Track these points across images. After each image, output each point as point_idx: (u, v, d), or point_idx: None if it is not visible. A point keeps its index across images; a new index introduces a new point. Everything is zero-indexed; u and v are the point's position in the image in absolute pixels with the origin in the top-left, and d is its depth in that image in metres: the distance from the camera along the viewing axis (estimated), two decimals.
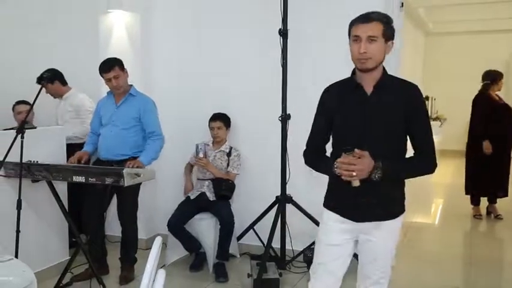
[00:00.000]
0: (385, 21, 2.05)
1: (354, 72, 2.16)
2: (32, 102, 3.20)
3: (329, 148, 2.25)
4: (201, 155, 3.90)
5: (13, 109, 4.34)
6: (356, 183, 1.99)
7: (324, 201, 2.29)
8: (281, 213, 3.74)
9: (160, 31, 4.50)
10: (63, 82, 4.32)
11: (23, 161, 3.09)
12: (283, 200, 3.74)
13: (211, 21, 4.32)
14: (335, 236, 2.21)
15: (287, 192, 3.75)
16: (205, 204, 3.97)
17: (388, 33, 2.05)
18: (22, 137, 3.07)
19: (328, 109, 2.21)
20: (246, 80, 4.21)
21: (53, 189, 3.37)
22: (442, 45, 10.37)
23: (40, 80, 3.95)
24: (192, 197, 4.03)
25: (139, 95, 3.68)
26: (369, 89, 2.10)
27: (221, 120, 4.05)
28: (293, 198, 3.76)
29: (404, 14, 3.88)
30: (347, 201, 2.14)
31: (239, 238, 4.14)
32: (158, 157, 3.68)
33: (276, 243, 3.80)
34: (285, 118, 3.67)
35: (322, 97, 2.26)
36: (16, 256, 2.95)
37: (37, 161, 3.29)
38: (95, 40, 4.52)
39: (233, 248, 4.03)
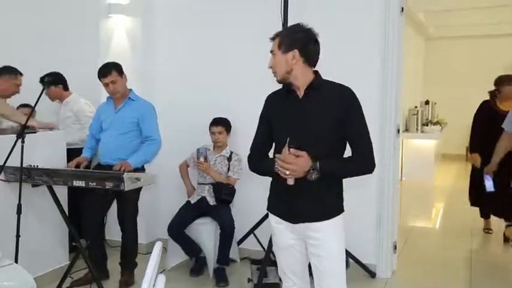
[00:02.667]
0: (283, 35, 2.18)
1: None
2: (33, 105, 3.20)
3: None
4: (201, 159, 3.90)
5: None
6: (290, 181, 2.04)
7: (267, 204, 2.34)
8: None
9: (161, 36, 4.51)
10: (66, 87, 4.34)
11: (24, 165, 3.09)
12: None
13: (212, 25, 4.33)
14: (282, 237, 2.25)
15: None
16: (205, 208, 3.96)
17: (285, 44, 2.14)
18: (22, 142, 3.08)
19: (266, 115, 2.30)
20: (246, 84, 4.22)
21: (53, 194, 3.37)
22: (442, 49, 10.37)
23: (44, 81, 3.97)
24: (192, 202, 4.03)
25: (138, 99, 3.68)
26: (301, 92, 2.17)
27: (222, 124, 4.05)
28: None
29: (404, 18, 3.88)
30: (283, 202, 2.20)
31: (239, 243, 4.14)
32: (151, 161, 3.68)
33: None
34: None
35: (264, 104, 2.35)
36: (16, 261, 2.94)
37: (37, 166, 3.29)
38: (95, 44, 4.54)
39: (233, 253, 4.02)
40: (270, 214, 2.31)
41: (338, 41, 3.62)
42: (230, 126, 4.11)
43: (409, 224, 5.42)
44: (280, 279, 3.59)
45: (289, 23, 3.60)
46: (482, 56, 10.20)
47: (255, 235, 4.05)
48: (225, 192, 3.91)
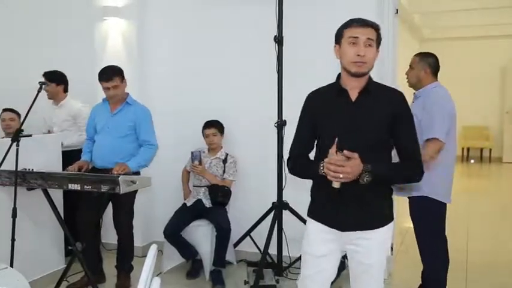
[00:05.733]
0: (378, 29, 2.06)
1: (338, 77, 2.14)
2: (27, 109, 3.18)
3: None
4: (196, 162, 3.90)
5: None
6: (336, 184, 1.93)
7: (308, 211, 2.24)
8: (277, 220, 3.74)
9: (156, 38, 4.51)
10: (66, 89, 4.32)
11: (18, 169, 3.08)
12: (279, 206, 3.74)
13: (207, 27, 4.34)
14: (320, 247, 2.14)
15: (283, 199, 3.75)
16: (201, 211, 3.96)
17: (379, 41, 2.06)
18: (17, 145, 3.06)
19: (312, 115, 2.17)
20: (241, 86, 4.23)
21: (49, 197, 3.36)
22: (437, 51, 10.33)
23: (51, 76, 4.02)
24: (188, 204, 4.03)
25: (135, 103, 3.68)
26: (353, 94, 2.07)
27: (215, 127, 4.05)
28: (289, 205, 3.76)
29: (399, 20, 3.90)
30: (329, 209, 2.10)
31: (236, 245, 4.13)
32: (148, 165, 3.66)
33: (272, 250, 3.80)
34: (280, 124, 3.67)
35: (305, 103, 2.22)
36: (11, 265, 2.93)
37: (32, 169, 3.28)
38: (90, 47, 4.53)
39: (230, 255, 4.01)
40: (310, 220, 2.19)
41: (332, 43, 3.63)
42: (223, 128, 4.10)
43: (406, 225, 5.43)
44: (277, 281, 3.62)
45: (284, 26, 3.62)
46: (476, 57, 10.26)
47: (251, 237, 4.04)
48: (220, 194, 3.91)
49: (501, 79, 10.51)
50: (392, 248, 4.00)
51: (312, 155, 2.23)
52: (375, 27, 2.04)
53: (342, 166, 1.89)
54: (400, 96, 2.10)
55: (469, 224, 5.56)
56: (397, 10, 3.81)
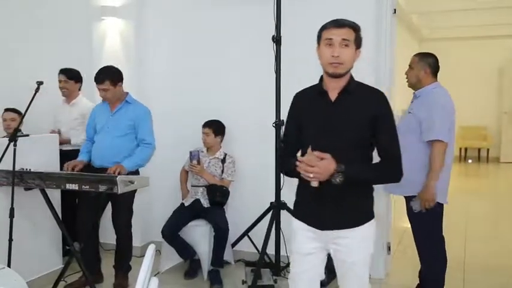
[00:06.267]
0: (357, 29, 2.07)
1: (321, 79, 2.16)
2: (25, 108, 3.18)
3: None
4: (194, 161, 3.90)
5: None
6: (314, 183, 1.97)
7: (292, 210, 2.28)
8: (275, 220, 3.74)
9: (154, 38, 4.50)
10: (80, 88, 4.33)
11: (16, 169, 3.08)
12: (277, 206, 3.73)
13: (206, 26, 4.33)
14: (305, 244, 2.18)
15: (281, 199, 3.75)
16: (199, 211, 3.96)
17: (358, 41, 2.08)
18: (15, 145, 3.06)
19: (296, 114, 2.21)
20: (239, 86, 4.22)
21: (46, 197, 3.36)
22: (435, 51, 10.31)
23: (71, 74, 4.14)
24: (186, 204, 4.02)
25: (135, 103, 3.67)
26: (333, 95, 2.09)
27: (210, 127, 4.04)
28: (287, 205, 3.75)
29: (397, 20, 3.90)
30: (310, 208, 2.14)
31: (234, 245, 4.13)
32: (145, 165, 3.65)
33: (270, 250, 3.80)
34: (278, 124, 3.67)
35: (292, 102, 2.26)
36: (8, 265, 2.93)
37: (30, 169, 3.27)
38: (88, 47, 4.52)
39: (228, 255, 4.02)
40: (293, 219, 2.24)
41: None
42: (220, 129, 4.09)
43: (403, 225, 5.43)
44: (275, 281, 3.62)
45: (282, 26, 3.62)
46: (474, 57, 10.27)
47: (249, 237, 4.04)
48: (218, 194, 3.90)
49: (499, 79, 10.53)
50: (389, 248, 4.01)
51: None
52: (353, 27, 2.05)
53: (313, 166, 1.93)
54: (380, 96, 2.12)
55: (466, 224, 5.56)
56: (394, 10, 3.81)
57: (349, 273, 2.15)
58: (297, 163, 1.98)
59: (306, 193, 2.13)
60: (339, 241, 2.11)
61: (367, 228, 2.14)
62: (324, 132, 2.05)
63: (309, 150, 1.98)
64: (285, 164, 2.26)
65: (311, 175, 1.94)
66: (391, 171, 2.10)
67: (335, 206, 2.07)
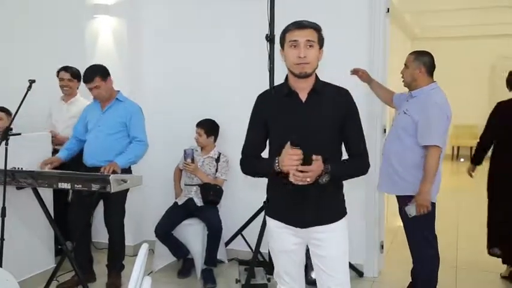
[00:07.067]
0: (319, 29, 2.11)
1: (286, 79, 2.19)
2: (17, 107, 3.15)
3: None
4: (188, 160, 3.89)
5: None
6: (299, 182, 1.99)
7: (266, 210, 2.30)
8: None
9: (147, 36, 4.49)
10: (78, 87, 4.28)
11: (8, 168, 3.06)
12: None
13: (199, 24, 4.32)
14: (283, 242, 2.22)
15: None
16: (193, 209, 3.95)
17: (321, 41, 2.12)
18: (6, 144, 3.04)
19: (262, 117, 2.21)
20: (233, 85, 4.22)
21: (38, 196, 3.34)
22: (428, 49, 10.47)
23: (77, 73, 4.08)
24: (179, 203, 4.02)
25: (126, 100, 3.66)
26: (303, 95, 2.13)
27: (202, 127, 4.03)
28: None
29: (390, 19, 3.91)
30: (288, 207, 2.16)
31: (227, 243, 4.13)
32: (137, 162, 3.63)
33: (264, 249, 3.78)
34: None
35: (255, 105, 2.27)
36: (0, 265, 2.92)
37: (22, 168, 3.25)
38: (81, 45, 4.50)
39: (221, 254, 4.02)
40: (269, 219, 2.26)
41: (323, 41, 3.63)
42: (212, 129, 4.08)
43: (396, 224, 5.46)
44: (268, 280, 3.62)
45: (276, 25, 3.61)
46: (465, 57, 10.32)
47: (242, 236, 4.05)
48: (212, 193, 3.90)
49: (491, 78, 10.59)
50: (382, 247, 4.03)
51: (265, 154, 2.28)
52: (315, 28, 2.10)
53: (307, 172, 1.96)
54: (346, 94, 2.19)
55: (459, 222, 5.60)
56: (388, 9, 3.82)
57: (326, 268, 2.19)
58: (294, 173, 1.97)
59: (278, 192, 2.19)
60: (318, 236, 2.16)
61: (343, 223, 2.21)
62: (298, 132, 2.06)
63: (286, 147, 1.99)
64: (253, 166, 2.26)
65: (308, 179, 1.97)
66: (362, 166, 2.20)
67: (316, 204, 2.12)
